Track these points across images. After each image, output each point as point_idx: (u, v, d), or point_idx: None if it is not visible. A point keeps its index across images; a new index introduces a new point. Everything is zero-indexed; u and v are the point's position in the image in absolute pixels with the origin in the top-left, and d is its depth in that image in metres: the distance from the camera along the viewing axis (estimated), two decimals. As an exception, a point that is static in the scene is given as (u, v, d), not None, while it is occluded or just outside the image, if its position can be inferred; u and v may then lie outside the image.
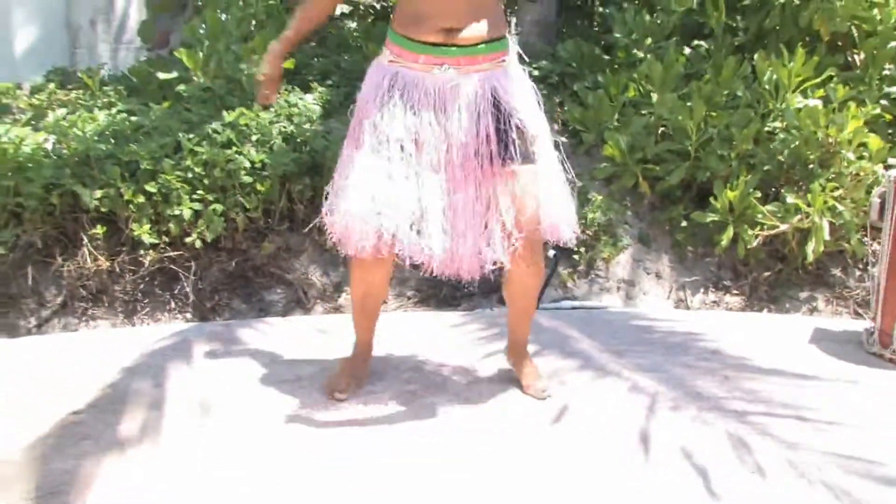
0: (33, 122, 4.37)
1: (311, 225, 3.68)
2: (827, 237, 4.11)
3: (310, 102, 4.66)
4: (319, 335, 3.48)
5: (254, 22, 5.38)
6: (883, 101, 4.69)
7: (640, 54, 5.18)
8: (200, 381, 2.95)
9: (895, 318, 3.19)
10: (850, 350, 3.33)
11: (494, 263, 2.54)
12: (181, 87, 4.72)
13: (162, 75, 4.88)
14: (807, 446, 2.52)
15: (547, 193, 2.60)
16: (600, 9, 6.57)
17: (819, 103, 4.43)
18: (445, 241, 2.51)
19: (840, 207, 4.15)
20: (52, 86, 6.04)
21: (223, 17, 5.32)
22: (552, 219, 2.62)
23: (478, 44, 2.50)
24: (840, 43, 5.20)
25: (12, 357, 3.22)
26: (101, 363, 3.08)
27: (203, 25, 5.16)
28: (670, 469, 2.38)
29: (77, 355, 3.22)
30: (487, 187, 2.53)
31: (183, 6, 7.20)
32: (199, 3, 7.17)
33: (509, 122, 2.50)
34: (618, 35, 5.29)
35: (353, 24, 7.10)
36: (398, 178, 2.48)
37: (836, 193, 4.20)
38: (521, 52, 2.68)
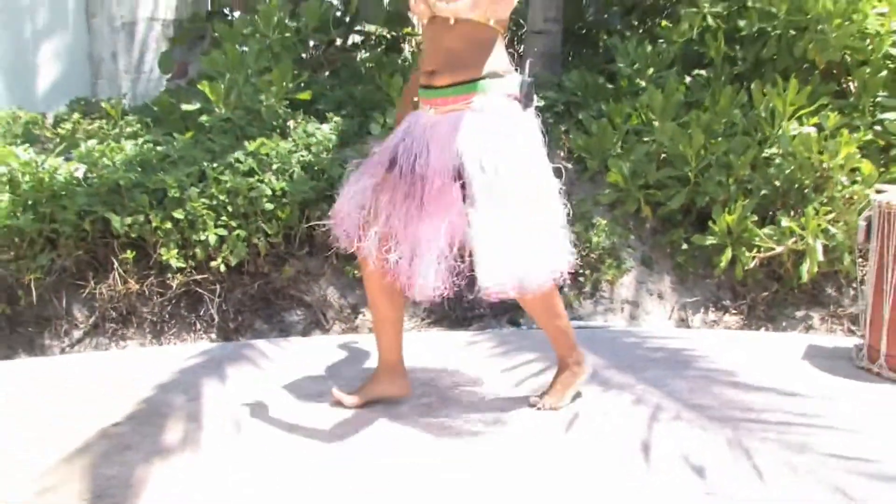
0: (65, 153, 4.58)
1: (331, 251, 3.93)
2: (821, 258, 4.30)
3: (326, 132, 4.88)
4: (339, 353, 3.68)
5: (271, 54, 5.61)
6: (876, 127, 4.88)
7: (643, 83, 5.39)
8: (230, 395, 3.16)
9: (881, 336, 3.38)
10: (842, 365, 3.51)
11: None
12: (203, 118, 4.95)
13: (185, 107, 5.11)
14: (802, 449, 2.70)
15: (509, 243, 2.65)
16: (604, 39, 6.80)
17: (813, 130, 4.62)
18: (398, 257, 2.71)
19: (833, 230, 4.35)
20: (76, 116, 6.31)
21: (242, 49, 5.56)
22: (513, 272, 2.65)
23: (448, 86, 2.74)
24: (835, 71, 5.41)
25: (49, 374, 3.43)
26: (135, 380, 3.29)
27: (223, 57, 5.39)
28: (671, 472, 2.57)
29: (111, 372, 3.44)
30: (453, 224, 2.68)
31: (200, 38, 7.47)
32: (216, 35, 7.44)
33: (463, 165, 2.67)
34: (621, 65, 5.51)
35: (366, 54, 7.33)
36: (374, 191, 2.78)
37: (830, 216, 4.40)
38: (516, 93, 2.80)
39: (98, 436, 2.80)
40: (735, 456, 2.68)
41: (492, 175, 2.64)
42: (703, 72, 5.63)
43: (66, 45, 7.46)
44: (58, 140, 5.34)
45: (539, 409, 3.01)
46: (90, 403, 3.07)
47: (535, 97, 2.82)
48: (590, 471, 2.59)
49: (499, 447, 2.75)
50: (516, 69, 2.85)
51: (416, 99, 2.90)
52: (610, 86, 5.61)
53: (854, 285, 4.51)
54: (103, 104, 6.47)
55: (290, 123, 5.03)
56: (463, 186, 2.65)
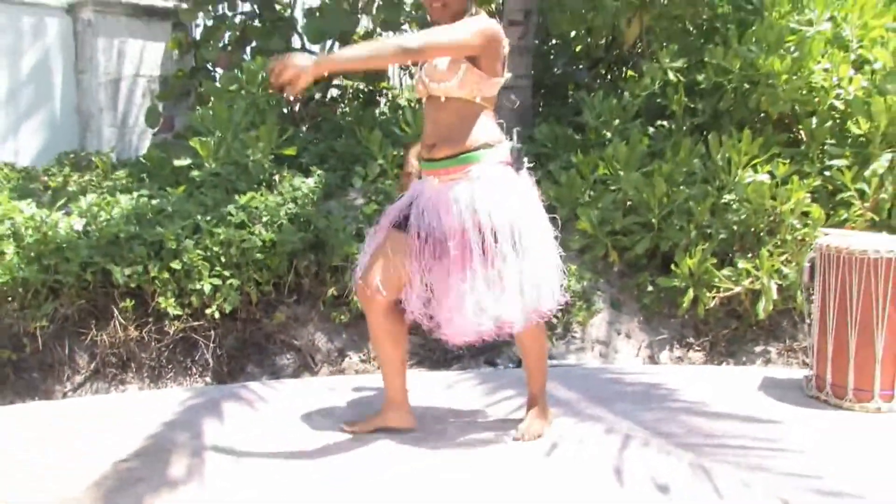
0: (64, 206, 4.82)
1: (318, 298, 4.20)
2: (775, 297, 4.64)
3: (311, 185, 5.16)
4: (328, 393, 3.93)
5: (256, 110, 5.90)
6: (826, 173, 5.23)
7: (609, 135, 5.75)
8: (230, 432, 3.39)
9: (826, 367, 3.69)
10: (794, 394, 3.83)
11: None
12: (195, 173, 5.23)
13: (177, 162, 5.38)
14: (757, 469, 3.00)
15: (516, 285, 3.02)
16: (572, 92, 7.18)
17: (766, 178, 4.98)
18: (418, 304, 3.10)
19: (786, 270, 4.69)
20: (66, 169, 6.57)
21: (228, 105, 5.85)
22: (491, 319, 3.01)
23: (446, 158, 3.09)
24: (787, 121, 5.81)
25: (57, 417, 3.65)
26: (140, 420, 3.52)
27: (211, 115, 5.67)
28: (640, 491, 2.85)
29: (116, 414, 3.67)
30: (460, 277, 3.02)
31: (185, 93, 7.77)
32: (201, 91, 7.75)
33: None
34: (588, 118, 5.87)
35: (345, 107, 7.66)
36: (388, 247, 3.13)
37: (783, 258, 4.74)
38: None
39: (111, 471, 3.03)
40: (697, 477, 2.96)
41: (496, 231, 2.99)
42: (665, 123, 6.01)
43: (56, 100, 7.74)
44: (50, 193, 5.60)
45: (522, 439, 3.28)
46: (99, 443, 3.29)
47: (524, 160, 3.18)
48: (568, 492, 2.86)
49: (484, 472, 3.01)
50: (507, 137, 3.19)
51: (414, 168, 3.29)
52: (578, 137, 5.96)
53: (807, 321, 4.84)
54: (93, 158, 6.76)
55: (276, 177, 5.32)
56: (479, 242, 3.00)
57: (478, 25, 3.03)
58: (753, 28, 5.75)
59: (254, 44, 7.63)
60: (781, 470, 2.99)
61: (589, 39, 7.42)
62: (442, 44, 2.97)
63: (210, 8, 7.79)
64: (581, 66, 7.58)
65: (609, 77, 7.61)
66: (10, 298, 4.21)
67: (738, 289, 4.73)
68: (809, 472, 2.96)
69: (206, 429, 3.44)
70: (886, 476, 2.97)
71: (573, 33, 7.38)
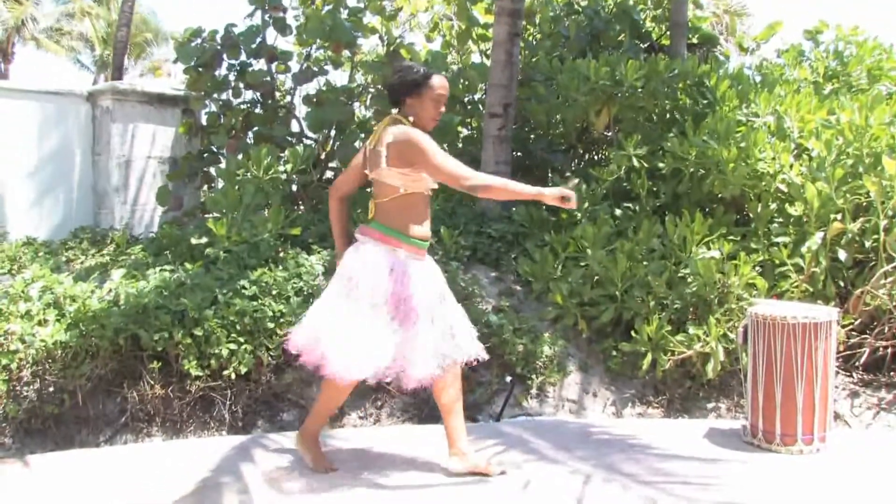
0: (97, 280, 5.44)
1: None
2: (722, 359, 5.29)
3: (314, 262, 5.81)
4: (330, 441, 4.52)
5: (263, 193, 6.57)
6: (773, 248, 5.91)
7: (579, 216, 6.45)
8: (259, 473, 3.99)
9: (759, 416, 4.33)
10: (733, 440, 4.48)
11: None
12: (209, 250, 5.88)
13: (194, 241, 6.02)
14: (699, 500, 3.61)
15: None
16: (550, 175, 7.89)
17: (717, 254, 5.66)
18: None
19: (732, 335, 5.34)
20: (84, 243, 7.22)
21: (237, 189, 6.52)
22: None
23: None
24: (738, 203, 6.52)
25: (94, 464, 4.24)
26: (180, 466, 4.10)
27: (223, 198, 6.34)
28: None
29: (153, 461, 4.26)
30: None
31: (194, 174, 8.45)
32: (207, 170, 8.44)
33: None
34: (560, 201, 6.55)
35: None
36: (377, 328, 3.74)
37: (729, 324, 5.40)
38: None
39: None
40: (647, 506, 3.58)
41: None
42: (630, 204, 6.71)
43: (74, 179, 8.43)
44: (81, 267, 6.23)
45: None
46: (141, 484, 3.87)
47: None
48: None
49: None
50: None
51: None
52: (552, 218, 6.65)
53: (753, 381, 5.46)
54: (110, 234, 7.40)
55: (282, 254, 5.96)
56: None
57: None
58: (707, 120, 6.50)
59: (256, 128, 8.33)
60: (718, 500, 3.60)
61: (562, 129, 8.15)
62: None
63: (216, 95, 8.51)
64: (557, 150, 8.29)
65: (582, 163, 8.33)
66: (52, 360, 4.80)
67: (690, 352, 5.38)
68: (743, 502, 3.59)
69: (243, 472, 4.04)
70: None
71: (549, 122, 8.13)
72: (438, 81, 3.84)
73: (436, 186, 3.88)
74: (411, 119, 3.84)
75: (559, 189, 3.79)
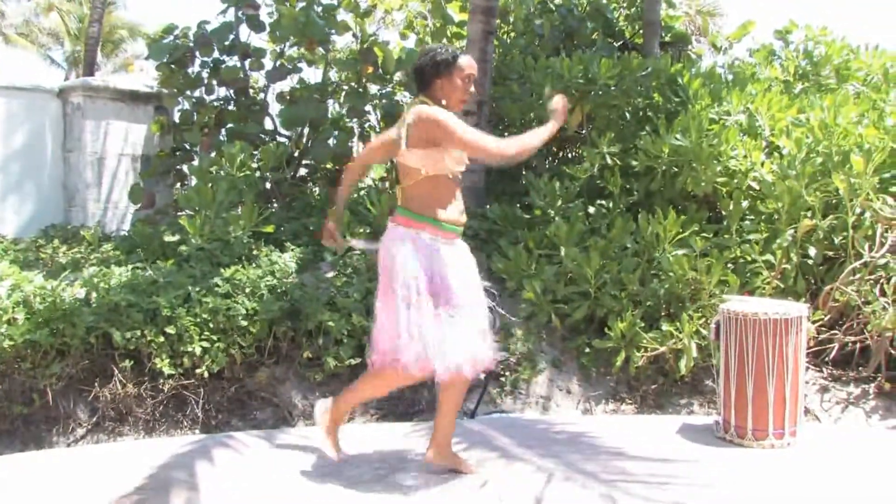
0: (67, 277, 5.39)
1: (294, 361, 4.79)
2: (695, 355, 5.32)
3: (287, 259, 5.79)
4: (303, 441, 4.50)
5: (236, 191, 6.54)
6: (745, 245, 5.96)
7: (552, 213, 6.46)
8: (222, 473, 3.96)
9: (731, 412, 4.37)
10: (706, 436, 4.50)
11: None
12: (183, 248, 5.84)
13: (167, 238, 5.99)
14: (661, 500, 3.61)
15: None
16: (523, 173, 7.91)
17: (689, 251, 5.70)
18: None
19: (705, 332, 5.38)
20: (55, 241, 7.15)
21: (211, 187, 6.48)
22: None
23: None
24: (710, 200, 6.56)
25: (61, 463, 4.19)
26: (141, 463, 4.06)
27: (196, 195, 6.31)
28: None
29: (119, 459, 4.22)
30: None
31: (166, 172, 8.39)
32: (180, 168, 8.38)
33: None
34: (535, 199, 6.58)
35: (314, 187, 8.34)
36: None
37: (702, 321, 5.43)
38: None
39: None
40: (605, 504, 3.59)
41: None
42: (603, 202, 6.73)
43: (44, 175, 8.36)
44: (51, 264, 6.17)
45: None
46: (106, 481, 3.83)
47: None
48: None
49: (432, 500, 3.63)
50: None
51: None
52: (526, 216, 6.67)
53: (724, 378, 5.51)
54: (82, 232, 7.33)
55: (256, 252, 5.94)
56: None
57: None
58: (679, 118, 6.54)
59: (229, 126, 8.28)
60: (680, 499, 3.61)
61: (535, 127, 8.13)
62: None
63: (189, 92, 8.45)
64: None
65: (555, 160, 8.35)
66: (21, 359, 4.75)
67: (663, 349, 5.41)
68: (712, 500, 3.61)
69: (200, 469, 3.99)
70: (777, 499, 3.63)
71: (523, 120, 8.14)
72: (466, 61, 3.81)
73: (462, 169, 3.81)
74: (443, 102, 3.79)
75: (553, 111, 3.94)
